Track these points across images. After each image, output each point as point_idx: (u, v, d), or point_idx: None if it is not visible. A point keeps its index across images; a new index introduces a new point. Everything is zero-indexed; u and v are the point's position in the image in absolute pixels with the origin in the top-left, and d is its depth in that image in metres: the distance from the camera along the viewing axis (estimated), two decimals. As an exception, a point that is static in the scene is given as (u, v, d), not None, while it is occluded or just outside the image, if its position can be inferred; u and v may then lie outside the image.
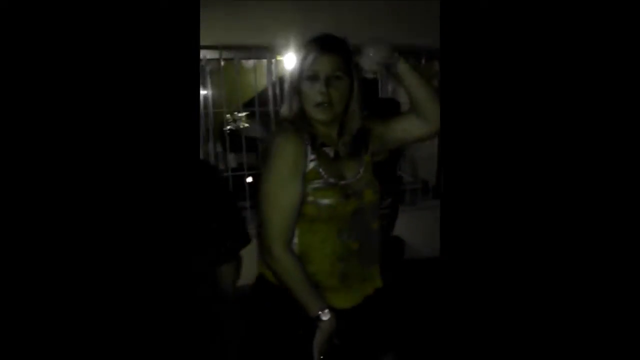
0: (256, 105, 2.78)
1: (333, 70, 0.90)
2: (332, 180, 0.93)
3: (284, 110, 0.97)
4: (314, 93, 0.91)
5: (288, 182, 0.89)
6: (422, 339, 1.90)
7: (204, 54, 2.61)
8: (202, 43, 2.60)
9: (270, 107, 2.78)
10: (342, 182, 0.95)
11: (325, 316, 0.89)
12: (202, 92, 2.67)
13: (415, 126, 1.00)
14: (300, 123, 0.94)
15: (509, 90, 0.59)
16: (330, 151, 0.97)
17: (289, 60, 2.75)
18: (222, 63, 2.64)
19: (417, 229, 2.92)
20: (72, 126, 0.57)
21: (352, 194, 0.95)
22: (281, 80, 2.85)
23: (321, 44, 0.92)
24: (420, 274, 2.75)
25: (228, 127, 3.06)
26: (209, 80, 2.70)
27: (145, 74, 0.60)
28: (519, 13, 0.57)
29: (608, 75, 0.55)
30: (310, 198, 0.91)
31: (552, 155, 0.57)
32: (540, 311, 0.58)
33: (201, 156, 2.67)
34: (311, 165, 0.92)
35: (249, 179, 2.78)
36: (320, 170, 0.92)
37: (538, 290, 0.58)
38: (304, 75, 0.91)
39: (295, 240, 0.94)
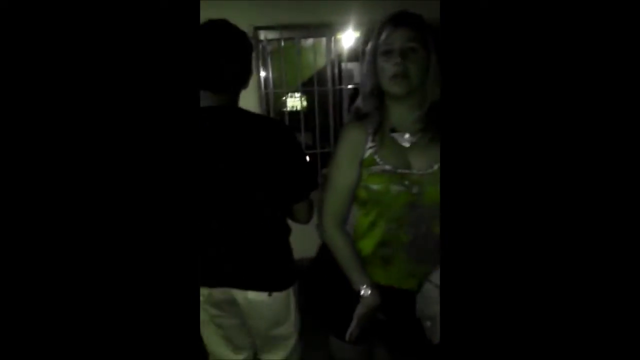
0: (315, 84, 2.79)
1: (407, 42, 0.90)
2: (388, 167, 0.94)
3: (358, 100, 1.00)
4: (389, 66, 0.91)
5: (343, 168, 0.98)
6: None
7: (265, 35, 2.65)
8: (261, 24, 2.64)
9: (329, 86, 2.78)
10: (401, 171, 0.94)
11: (366, 292, 0.96)
12: (262, 73, 2.73)
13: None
14: (371, 107, 0.96)
15: (509, 91, 0.57)
16: (399, 137, 0.97)
17: (348, 39, 2.72)
18: (282, 43, 2.67)
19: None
20: (73, 125, 0.58)
21: (409, 185, 0.93)
22: (340, 58, 2.83)
23: (394, 20, 0.92)
24: None
25: (287, 108, 3.11)
26: (269, 61, 2.75)
27: (146, 73, 0.60)
28: (519, 13, 0.56)
29: (608, 75, 0.53)
30: (363, 182, 0.96)
31: (553, 156, 0.55)
32: (541, 316, 0.57)
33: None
34: (368, 152, 0.96)
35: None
36: (376, 157, 0.95)
37: (539, 295, 0.57)
38: (380, 51, 0.92)
39: (353, 219, 1.01)
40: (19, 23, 0.56)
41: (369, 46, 0.96)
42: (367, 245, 0.99)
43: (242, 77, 1.08)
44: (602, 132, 0.54)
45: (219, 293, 1.12)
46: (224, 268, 1.09)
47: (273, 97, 2.83)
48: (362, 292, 0.96)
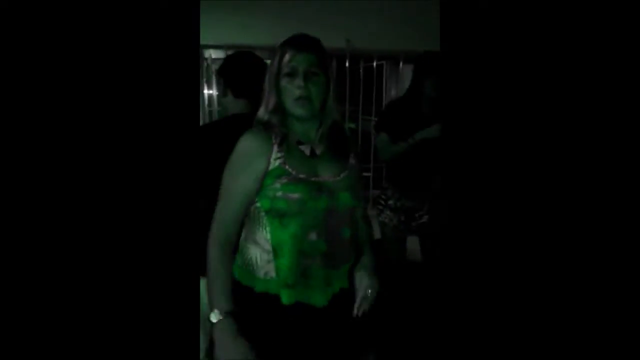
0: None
1: (310, 66, 0.94)
2: (302, 175, 0.96)
3: (260, 111, 1.00)
4: (292, 88, 0.94)
5: (238, 178, 0.96)
6: (420, 340, 1.90)
7: (209, 53, 2.66)
8: (207, 42, 2.63)
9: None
10: (314, 179, 0.97)
11: (214, 317, 0.91)
12: (206, 91, 2.72)
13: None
14: (276, 121, 0.97)
15: (509, 92, 0.59)
16: (305, 149, 1.00)
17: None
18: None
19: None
20: (74, 125, 0.58)
21: (325, 191, 0.97)
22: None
23: (297, 43, 0.96)
24: (421, 277, 2.75)
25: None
26: (213, 79, 2.75)
27: (146, 73, 0.61)
28: (519, 14, 0.58)
29: (608, 76, 0.55)
30: (279, 193, 0.94)
31: (554, 157, 0.57)
32: (539, 316, 0.58)
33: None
34: (276, 163, 0.95)
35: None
36: (287, 167, 0.96)
37: (539, 295, 0.58)
38: (283, 72, 0.95)
39: (268, 235, 0.97)
40: (19, 23, 0.55)
41: (271, 67, 0.98)
42: (287, 261, 0.97)
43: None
44: (602, 133, 0.55)
45: None
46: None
47: (217, 115, 2.82)
48: (211, 316, 0.91)
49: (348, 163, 1.04)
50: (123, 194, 0.60)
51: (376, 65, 2.94)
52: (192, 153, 0.66)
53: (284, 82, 0.95)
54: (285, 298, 0.96)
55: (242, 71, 1.45)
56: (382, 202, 1.95)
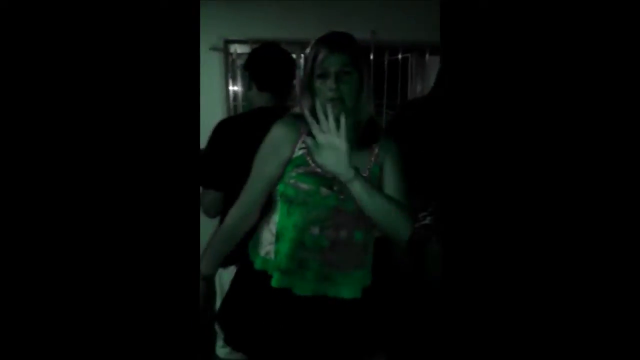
0: (284, 99, 2.82)
1: (342, 66, 0.95)
2: (318, 169, 0.98)
3: (296, 109, 1.04)
4: (325, 89, 0.96)
5: (263, 163, 1.02)
6: (418, 344, 1.86)
7: (235, 48, 2.67)
8: (232, 37, 2.66)
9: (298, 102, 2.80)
10: (329, 175, 0.97)
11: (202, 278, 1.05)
12: (231, 86, 2.74)
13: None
14: (310, 119, 0.98)
15: (510, 91, 0.58)
16: None
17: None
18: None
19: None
20: (74, 125, 0.58)
21: (338, 189, 0.97)
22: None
23: (329, 43, 0.97)
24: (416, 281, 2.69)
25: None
26: (238, 74, 2.76)
27: (146, 72, 0.61)
28: (519, 12, 0.57)
29: (608, 77, 0.54)
30: (292, 180, 0.98)
31: (554, 158, 0.57)
32: (540, 319, 0.58)
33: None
34: (299, 152, 1.00)
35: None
36: (308, 158, 0.99)
37: (540, 297, 0.58)
38: (316, 73, 0.97)
39: (276, 218, 1.02)
40: (19, 23, 0.55)
41: (305, 67, 1.00)
42: (285, 246, 1.00)
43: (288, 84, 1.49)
44: (603, 133, 0.54)
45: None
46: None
47: (241, 110, 2.83)
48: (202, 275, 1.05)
49: (371, 164, 1.04)
50: (122, 193, 0.60)
51: (401, 58, 2.89)
52: (192, 152, 0.66)
53: (317, 82, 0.97)
54: (275, 281, 1.00)
55: (265, 64, 1.46)
56: None
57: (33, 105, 0.57)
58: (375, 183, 1.02)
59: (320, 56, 0.95)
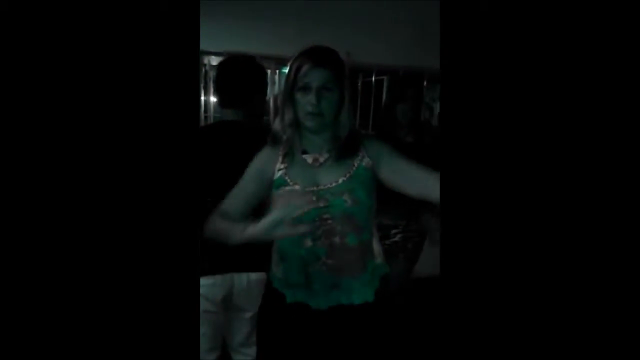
0: (256, 113, 2.80)
1: (324, 83, 0.95)
2: (297, 187, 0.99)
3: (277, 122, 1.04)
4: (305, 103, 0.96)
5: (247, 178, 1.06)
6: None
7: (209, 60, 2.64)
8: (208, 49, 2.63)
9: (271, 117, 2.79)
10: (309, 189, 0.98)
11: (247, 233, 0.91)
12: (204, 97, 2.70)
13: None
14: (290, 134, 1.02)
15: (509, 101, 0.59)
16: (309, 158, 1.03)
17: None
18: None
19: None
20: (74, 127, 0.58)
21: (318, 200, 0.97)
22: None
23: (313, 57, 0.96)
24: (416, 293, 2.72)
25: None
26: (211, 86, 2.73)
27: (146, 76, 0.61)
28: (519, 27, 0.58)
29: (609, 81, 0.55)
30: (274, 204, 0.96)
31: (555, 164, 0.57)
32: (542, 330, 0.58)
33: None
34: (278, 174, 1.03)
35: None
36: (287, 178, 1.02)
37: (541, 307, 0.58)
38: (297, 86, 0.96)
39: (279, 244, 1.06)
40: (19, 25, 0.55)
41: (287, 79, 1.00)
42: (289, 263, 1.04)
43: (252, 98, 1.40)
44: (603, 138, 0.55)
45: (220, 280, 1.27)
46: (226, 254, 1.17)
47: (212, 121, 2.79)
48: (246, 235, 0.91)
49: (353, 167, 1.02)
50: (122, 197, 0.60)
51: (375, 80, 2.94)
52: (192, 157, 0.67)
53: (298, 95, 0.97)
54: (289, 297, 1.04)
55: (229, 79, 1.38)
56: None
57: (32, 109, 0.56)
58: (362, 181, 1.01)
59: (303, 70, 0.95)
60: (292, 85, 0.97)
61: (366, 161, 1.03)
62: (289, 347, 1.06)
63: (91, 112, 0.58)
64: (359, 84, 2.86)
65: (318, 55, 0.97)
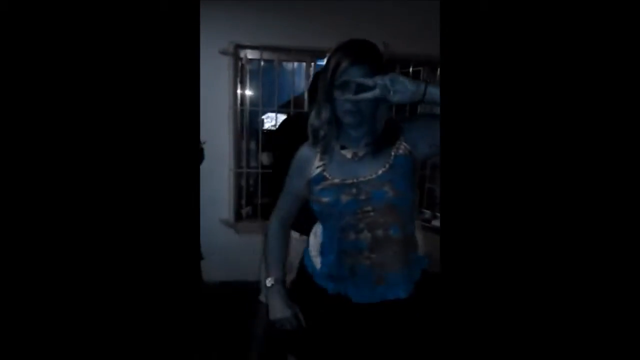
0: (291, 106, 2.82)
1: (362, 78, 0.93)
2: (337, 180, 1.00)
3: (312, 117, 1.03)
4: (344, 100, 0.95)
5: (292, 178, 1.11)
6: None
7: (245, 53, 2.67)
8: (243, 42, 2.66)
9: (306, 109, 2.80)
10: (349, 181, 0.99)
11: (269, 282, 1.09)
12: (240, 90, 2.74)
13: None
14: (326, 130, 1.02)
15: (509, 96, 0.58)
16: (347, 153, 1.03)
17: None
18: (262, 63, 2.69)
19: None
20: (75, 126, 0.58)
21: (357, 192, 0.98)
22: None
23: (352, 53, 0.94)
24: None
25: (264, 127, 3.11)
26: (247, 79, 2.77)
27: (147, 75, 0.61)
28: (519, 19, 0.57)
29: (609, 81, 0.54)
30: (315, 197, 1.03)
31: (554, 161, 0.56)
32: (543, 327, 0.57)
33: (234, 152, 2.73)
34: (317, 170, 1.04)
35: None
36: (326, 173, 1.02)
37: (541, 305, 0.57)
38: (336, 83, 0.95)
39: (319, 232, 1.10)
40: (19, 25, 0.55)
41: (324, 76, 0.98)
42: (331, 257, 1.04)
43: None
44: (603, 136, 0.54)
45: None
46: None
47: (248, 114, 2.83)
48: (267, 282, 1.09)
49: (391, 157, 1.00)
50: (122, 195, 0.60)
51: (412, 71, 2.87)
52: (191, 156, 0.67)
53: (336, 93, 0.96)
54: (332, 289, 1.05)
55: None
56: None
57: (33, 110, 0.57)
58: (402, 171, 0.99)
59: (342, 66, 0.93)
60: (330, 82, 0.95)
61: (403, 148, 1.01)
62: (332, 340, 1.06)
63: (91, 112, 0.59)
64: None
65: (357, 51, 0.95)
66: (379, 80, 0.91)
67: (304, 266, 1.14)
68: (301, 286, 1.14)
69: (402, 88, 0.91)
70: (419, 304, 1.03)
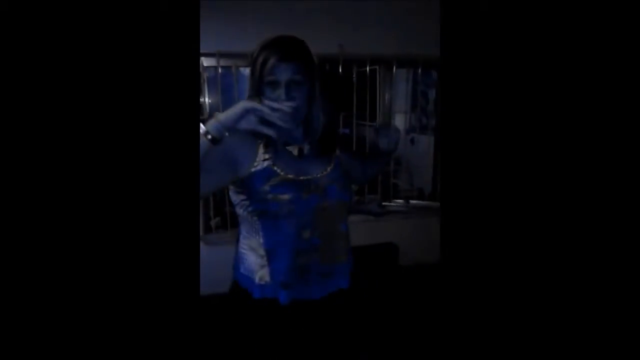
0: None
1: (293, 75, 0.90)
2: (290, 175, 0.96)
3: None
4: (274, 98, 0.90)
5: (218, 162, 0.89)
6: (413, 342, 1.91)
7: (202, 61, 2.62)
8: (200, 50, 2.58)
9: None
10: (303, 178, 0.98)
11: (202, 130, 0.84)
12: (200, 98, 2.69)
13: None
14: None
15: (508, 96, 0.59)
16: (293, 149, 1.01)
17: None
18: (220, 70, 2.66)
19: (411, 235, 2.93)
20: (73, 126, 0.57)
21: (314, 189, 0.98)
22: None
23: (279, 50, 0.90)
24: (414, 280, 2.76)
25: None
26: (205, 87, 2.72)
27: (146, 78, 0.61)
28: (519, 19, 0.57)
29: (609, 81, 0.55)
30: (269, 196, 0.93)
31: (553, 161, 0.57)
32: (541, 318, 0.58)
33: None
34: (265, 164, 0.95)
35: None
36: (275, 167, 0.95)
37: (539, 296, 0.58)
38: (265, 81, 0.91)
39: (261, 240, 0.98)
40: (19, 26, 0.54)
41: (253, 73, 0.93)
42: (282, 262, 0.97)
43: None
44: (603, 137, 0.55)
45: None
46: None
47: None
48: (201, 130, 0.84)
49: (333, 157, 1.06)
50: (122, 199, 0.60)
51: (369, 70, 2.93)
52: (193, 158, 0.66)
53: (266, 91, 0.91)
54: (283, 298, 0.98)
55: None
56: None
57: (32, 113, 0.56)
58: (342, 173, 1.06)
59: (269, 64, 0.89)
60: (259, 80, 0.91)
61: (340, 156, 1.09)
62: (289, 345, 1.01)
63: (91, 112, 0.58)
64: (354, 75, 2.85)
65: (283, 49, 0.90)
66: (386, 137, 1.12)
67: (237, 286, 1.03)
68: (240, 307, 1.03)
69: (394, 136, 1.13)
70: (359, 292, 1.09)
